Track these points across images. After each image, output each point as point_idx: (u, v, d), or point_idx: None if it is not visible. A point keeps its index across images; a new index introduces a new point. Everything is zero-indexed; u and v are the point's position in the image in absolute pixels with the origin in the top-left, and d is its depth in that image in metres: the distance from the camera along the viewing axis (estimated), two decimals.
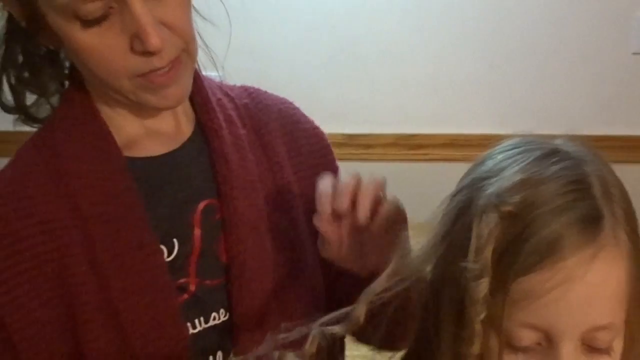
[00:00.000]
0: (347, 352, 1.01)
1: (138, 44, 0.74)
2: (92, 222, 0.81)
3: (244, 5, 2.31)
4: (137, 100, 0.80)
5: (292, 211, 0.92)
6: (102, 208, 0.81)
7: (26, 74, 0.86)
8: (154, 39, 0.73)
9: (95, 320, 0.80)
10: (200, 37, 0.88)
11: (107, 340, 0.80)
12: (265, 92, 1.00)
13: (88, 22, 0.73)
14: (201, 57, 0.91)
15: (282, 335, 0.73)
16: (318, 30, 2.40)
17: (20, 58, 0.85)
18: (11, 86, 0.86)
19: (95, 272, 0.80)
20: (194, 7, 0.83)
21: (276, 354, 0.73)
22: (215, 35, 0.94)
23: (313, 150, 0.97)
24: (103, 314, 0.80)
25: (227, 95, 0.95)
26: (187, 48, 0.80)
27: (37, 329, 0.79)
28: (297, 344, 0.72)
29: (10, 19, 0.82)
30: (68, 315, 0.80)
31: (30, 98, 0.89)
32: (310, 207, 0.84)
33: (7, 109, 0.88)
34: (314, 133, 0.99)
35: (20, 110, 0.88)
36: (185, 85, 0.82)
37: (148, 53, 0.75)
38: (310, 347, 0.72)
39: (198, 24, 0.87)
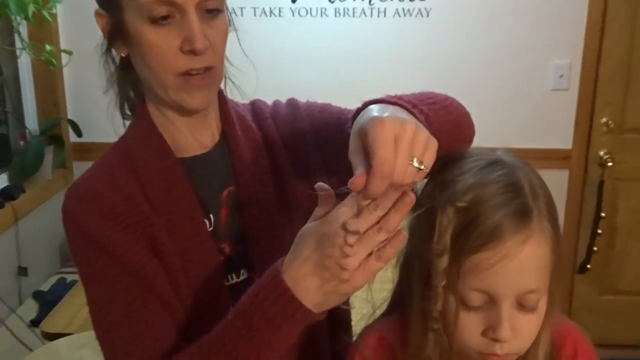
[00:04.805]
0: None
1: (187, 45, 0.74)
2: (157, 204, 0.80)
3: (275, 53, 2.34)
4: (175, 98, 0.79)
5: (291, 191, 0.88)
6: (164, 192, 0.80)
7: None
8: (200, 42, 0.74)
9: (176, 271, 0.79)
10: (230, 79, 0.88)
11: (167, 285, 0.79)
12: (259, 101, 0.97)
13: (155, 20, 0.74)
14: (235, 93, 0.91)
15: None
16: (328, 74, 2.39)
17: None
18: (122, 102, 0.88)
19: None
20: (227, 57, 0.83)
21: None
22: (248, 76, 0.93)
23: (287, 121, 0.92)
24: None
25: (250, 110, 0.93)
26: (217, 67, 0.79)
27: (151, 267, 0.78)
28: None
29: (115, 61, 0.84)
30: (159, 264, 0.79)
31: None
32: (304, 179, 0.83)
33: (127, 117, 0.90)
34: (276, 107, 0.95)
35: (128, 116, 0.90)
36: (210, 95, 0.81)
37: (192, 53, 0.75)
38: None
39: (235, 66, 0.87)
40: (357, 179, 0.56)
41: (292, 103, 0.94)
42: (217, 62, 0.79)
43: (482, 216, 0.67)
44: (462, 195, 0.69)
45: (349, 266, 0.60)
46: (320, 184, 0.65)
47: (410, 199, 0.60)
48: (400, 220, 0.61)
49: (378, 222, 0.60)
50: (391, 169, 0.55)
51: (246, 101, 0.95)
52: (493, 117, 2.36)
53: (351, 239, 0.60)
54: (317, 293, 0.63)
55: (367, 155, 0.57)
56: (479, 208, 0.68)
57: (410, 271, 0.75)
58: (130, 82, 0.86)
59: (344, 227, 0.60)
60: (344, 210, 0.61)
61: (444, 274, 0.69)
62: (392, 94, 0.68)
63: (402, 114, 0.61)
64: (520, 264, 0.67)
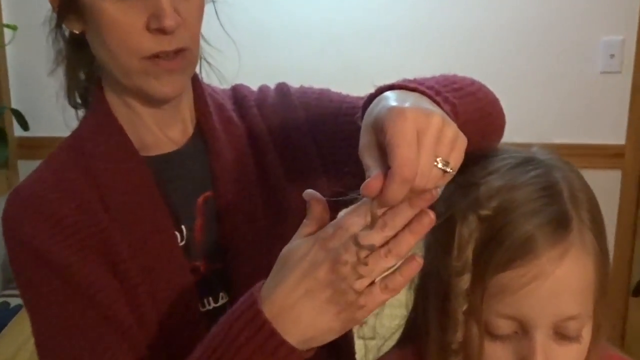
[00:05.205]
0: None
1: (154, 22, 0.75)
2: (117, 212, 0.80)
3: (261, 29, 2.34)
4: (141, 85, 0.79)
5: (282, 197, 0.88)
6: (126, 198, 0.81)
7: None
8: (169, 19, 0.74)
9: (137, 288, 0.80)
10: (206, 61, 0.89)
11: (128, 312, 0.79)
12: (242, 86, 0.97)
13: None
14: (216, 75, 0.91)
15: None
16: (326, 50, 2.39)
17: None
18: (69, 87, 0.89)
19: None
20: (202, 36, 0.84)
21: None
22: (228, 57, 0.94)
23: (277, 111, 0.93)
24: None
25: (231, 97, 0.94)
26: (191, 48, 0.80)
27: (109, 290, 0.78)
28: None
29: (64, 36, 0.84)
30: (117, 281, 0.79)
31: None
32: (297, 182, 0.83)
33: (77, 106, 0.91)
34: (263, 94, 0.95)
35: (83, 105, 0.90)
36: (182, 80, 0.82)
37: (161, 32, 0.75)
38: None
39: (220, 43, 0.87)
40: (372, 183, 0.56)
41: (283, 89, 0.95)
42: (191, 42, 0.80)
43: (510, 226, 0.68)
44: (486, 201, 0.69)
45: (360, 289, 0.59)
46: (309, 191, 0.64)
47: (430, 219, 0.59)
48: (414, 244, 0.60)
49: (386, 243, 0.59)
50: (413, 171, 0.55)
51: (226, 87, 0.96)
52: (526, 106, 2.36)
53: (365, 256, 0.59)
54: (312, 325, 0.61)
55: (383, 153, 0.56)
56: (507, 216, 0.68)
57: (426, 294, 0.76)
58: (84, 64, 0.86)
59: (355, 240, 0.59)
60: (355, 221, 0.59)
61: (465, 297, 0.69)
62: (408, 77, 0.68)
63: (425, 103, 0.61)
64: (556, 284, 0.67)
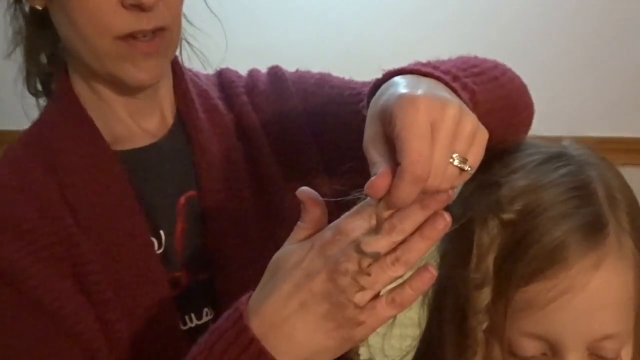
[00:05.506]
0: None
1: None
2: (85, 216, 0.80)
3: (252, 6, 2.34)
4: (114, 70, 0.79)
5: (276, 198, 0.89)
6: (95, 199, 0.81)
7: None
8: None
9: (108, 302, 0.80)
10: (188, 42, 0.89)
11: (98, 331, 0.79)
12: (229, 70, 0.98)
13: None
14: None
15: None
16: (326, 31, 2.39)
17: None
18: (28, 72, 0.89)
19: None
20: (184, 14, 0.84)
21: None
22: (213, 38, 0.94)
23: (270, 99, 0.93)
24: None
25: (216, 84, 0.94)
26: (171, 27, 0.80)
27: (75, 306, 0.78)
28: None
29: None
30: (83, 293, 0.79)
31: None
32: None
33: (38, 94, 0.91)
34: (254, 79, 0.96)
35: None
36: (161, 65, 0.82)
37: (138, 8, 0.75)
38: None
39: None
40: (379, 182, 0.55)
41: (276, 73, 0.95)
42: (172, 20, 0.80)
43: (537, 232, 0.68)
44: (509, 203, 0.69)
45: (361, 303, 0.59)
46: (304, 188, 0.64)
47: (445, 223, 0.59)
48: (426, 252, 0.60)
49: (394, 250, 0.59)
50: (426, 168, 0.54)
51: (211, 72, 0.96)
52: (557, 94, 2.36)
53: (368, 264, 0.58)
54: (307, 343, 0.60)
55: (391, 147, 0.56)
56: (533, 221, 0.68)
57: (441, 310, 0.76)
58: (46, 45, 0.87)
59: (357, 247, 0.58)
60: (358, 224, 0.59)
61: (485, 314, 0.69)
62: (421, 60, 0.68)
63: (441, 90, 0.61)
64: (591, 298, 0.67)
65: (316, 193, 0.64)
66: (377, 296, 0.59)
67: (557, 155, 0.74)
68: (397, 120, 0.55)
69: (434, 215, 0.59)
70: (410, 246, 0.59)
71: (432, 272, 0.60)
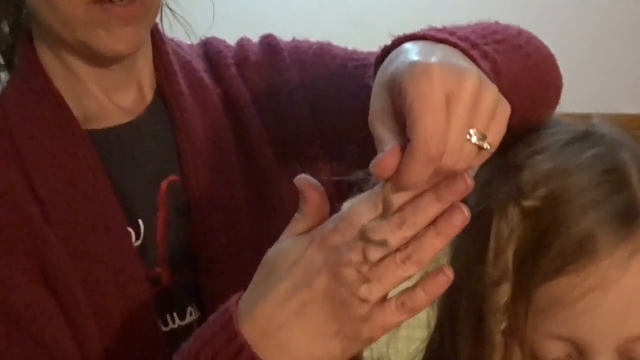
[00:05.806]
0: None
1: None
2: (52, 205, 0.81)
3: None
4: (85, 39, 0.79)
5: (270, 184, 0.90)
6: (63, 185, 0.81)
7: None
8: None
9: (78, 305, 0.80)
10: (170, 8, 0.90)
11: (68, 334, 0.80)
12: (215, 40, 0.98)
13: None
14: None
15: None
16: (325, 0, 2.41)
17: None
18: None
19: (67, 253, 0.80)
20: None
21: None
22: (198, 4, 0.95)
23: (262, 71, 0.94)
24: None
25: (201, 55, 0.95)
26: None
27: (41, 307, 0.78)
28: None
29: None
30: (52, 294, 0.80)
31: None
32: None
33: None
34: (244, 49, 0.96)
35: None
36: (139, 33, 0.82)
37: None
38: None
39: None
40: (386, 159, 0.54)
41: (270, 43, 0.96)
42: None
43: (563, 222, 0.68)
44: (532, 189, 0.70)
45: (366, 296, 0.58)
46: (302, 175, 0.63)
47: (463, 217, 0.58)
48: (441, 250, 0.59)
49: (405, 246, 0.58)
50: (441, 146, 0.53)
51: (196, 41, 0.96)
52: (586, 66, 2.36)
53: (375, 255, 0.57)
54: (306, 351, 0.60)
55: (401, 122, 0.55)
56: (559, 209, 0.69)
57: (454, 310, 0.77)
58: (8, 12, 0.87)
59: (362, 234, 0.57)
60: (363, 211, 0.58)
61: (504, 313, 0.70)
62: (436, 25, 0.68)
63: (457, 58, 0.61)
64: (622, 295, 0.68)
65: (316, 180, 0.63)
66: (385, 299, 0.59)
67: (585, 134, 0.74)
68: (408, 91, 0.55)
69: (451, 208, 0.58)
70: (423, 243, 0.58)
71: (449, 275, 0.59)
